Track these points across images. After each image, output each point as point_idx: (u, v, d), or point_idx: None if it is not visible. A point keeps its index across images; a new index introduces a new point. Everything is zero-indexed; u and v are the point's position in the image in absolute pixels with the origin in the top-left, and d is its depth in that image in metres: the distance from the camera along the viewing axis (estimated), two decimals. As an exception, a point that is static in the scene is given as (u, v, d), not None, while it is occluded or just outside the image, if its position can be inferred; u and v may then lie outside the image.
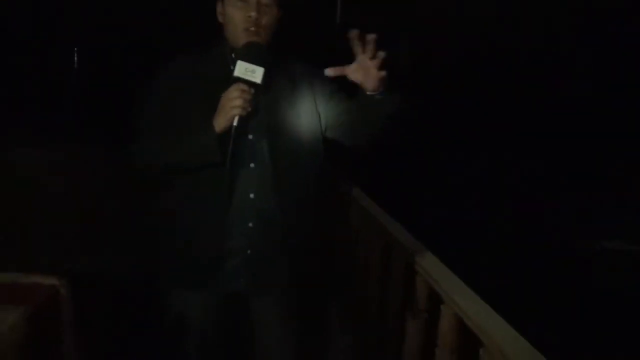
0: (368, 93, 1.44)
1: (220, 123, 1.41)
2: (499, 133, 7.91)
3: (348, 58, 1.44)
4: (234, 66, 1.41)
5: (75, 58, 7.53)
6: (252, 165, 1.52)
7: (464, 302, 1.66)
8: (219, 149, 1.41)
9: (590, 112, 7.44)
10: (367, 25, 1.44)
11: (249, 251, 1.55)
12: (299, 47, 1.76)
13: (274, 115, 1.53)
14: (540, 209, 6.46)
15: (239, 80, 1.40)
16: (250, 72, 1.40)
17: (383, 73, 1.40)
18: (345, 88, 1.58)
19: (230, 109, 1.39)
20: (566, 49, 7.41)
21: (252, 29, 1.47)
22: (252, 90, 1.41)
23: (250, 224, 1.54)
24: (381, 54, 1.38)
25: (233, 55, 1.50)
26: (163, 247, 1.63)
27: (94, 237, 3.01)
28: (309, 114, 1.57)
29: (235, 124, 1.39)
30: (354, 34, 1.38)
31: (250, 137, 1.52)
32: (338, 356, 2.65)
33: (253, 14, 1.46)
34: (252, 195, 1.53)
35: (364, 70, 1.41)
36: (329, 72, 1.44)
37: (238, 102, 1.38)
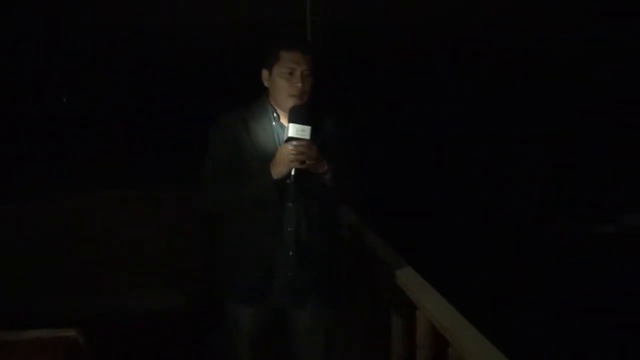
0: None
1: (280, 172, 1.77)
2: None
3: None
4: (285, 127, 1.80)
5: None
6: (289, 204, 1.87)
7: (434, 307, 1.89)
8: (276, 191, 1.79)
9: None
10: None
11: (289, 274, 1.91)
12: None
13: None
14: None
15: (293, 139, 1.73)
16: (300, 131, 1.74)
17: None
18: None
19: (290, 162, 1.74)
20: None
21: (296, 95, 1.83)
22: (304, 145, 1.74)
23: (291, 253, 1.90)
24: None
25: (275, 114, 1.91)
26: (226, 270, 2.01)
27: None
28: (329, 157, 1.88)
29: (293, 173, 1.76)
30: None
31: (288, 181, 1.84)
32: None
33: (299, 84, 1.83)
34: (289, 229, 1.89)
35: None
36: None
37: (295, 156, 1.73)
